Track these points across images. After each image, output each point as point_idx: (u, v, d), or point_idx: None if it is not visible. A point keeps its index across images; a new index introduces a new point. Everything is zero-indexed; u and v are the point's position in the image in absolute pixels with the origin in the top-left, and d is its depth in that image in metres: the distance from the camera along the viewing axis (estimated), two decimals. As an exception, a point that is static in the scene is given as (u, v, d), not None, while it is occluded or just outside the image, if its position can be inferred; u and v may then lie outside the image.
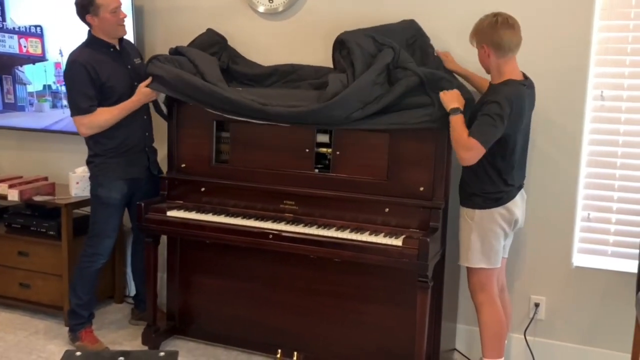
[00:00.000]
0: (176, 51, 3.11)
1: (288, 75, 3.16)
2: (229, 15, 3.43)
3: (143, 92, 3.01)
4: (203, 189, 3.07)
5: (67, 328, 3.24)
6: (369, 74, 2.68)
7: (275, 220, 2.86)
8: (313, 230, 2.75)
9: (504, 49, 2.53)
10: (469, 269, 2.74)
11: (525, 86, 2.57)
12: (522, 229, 2.82)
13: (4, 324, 3.44)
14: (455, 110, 2.57)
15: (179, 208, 3.02)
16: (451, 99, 2.61)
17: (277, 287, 3.06)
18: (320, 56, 3.15)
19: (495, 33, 2.53)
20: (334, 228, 2.76)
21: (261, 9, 3.36)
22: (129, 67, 3.10)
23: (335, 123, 2.74)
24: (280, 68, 3.18)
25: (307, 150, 2.90)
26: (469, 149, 2.50)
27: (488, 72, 2.64)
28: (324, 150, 2.90)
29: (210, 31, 3.31)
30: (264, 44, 3.35)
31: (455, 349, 3.16)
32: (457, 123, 2.55)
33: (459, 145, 2.54)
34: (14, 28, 3.76)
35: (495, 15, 2.55)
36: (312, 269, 2.97)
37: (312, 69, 3.14)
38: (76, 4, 2.99)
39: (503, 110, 2.47)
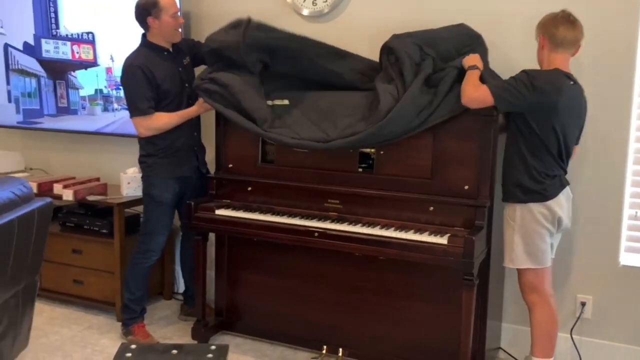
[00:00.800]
0: (214, 81, 3.04)
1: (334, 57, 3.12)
2: (273, 19, 3.47)
3: (204, 106, 3.12)
4: (250, 188, 3.15)
5: (119, 323, 3.36)
6: (416, 83, 2.72)
7: (320, 218, 2.91)
8: (358, 229, 2.80)
9: (557, 41, 2.57)
10: (518, 270, 2.74)
11: (571, 81, 2.58)
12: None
13: (60, 318, 3.58)
14: (472, 67, 2.66)
15: (226, 207, 3.10)
16: (472, 59, 2.71)
17: (321, 284, 3.11)
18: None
19: (553, 24, 2.58)
20: (379, 226, 2.79)
21: (305, 12, 3.42)
22: (180, 69, 3.21)
23: (394, 138, 2.78)
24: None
25: (351, 150, 2.94)
26: (476, 90, 2.59)
27: (541, 66, 2.66)
28: (367, 150, 2.94)
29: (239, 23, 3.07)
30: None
31: (500, 348, 3.16)
32: (472, 74, 2.65)
33: (468, 85, 2.62)
34: (67, 35, 3.91)
35: (562, 10, 2.61)
36: (356, 267, 3.01)
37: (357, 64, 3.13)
38: (138, 5, 3.09)
39: (530, 80, 2.51)
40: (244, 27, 2.96)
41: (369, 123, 2.79)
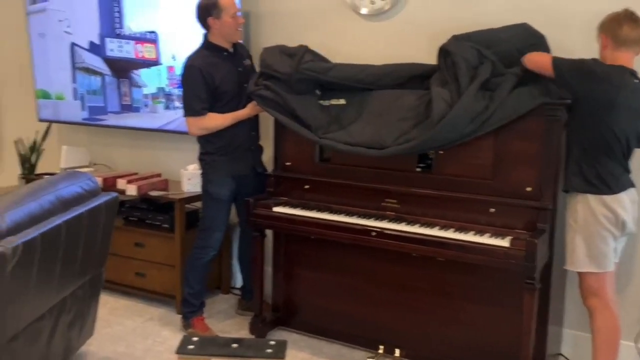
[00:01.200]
0: (269, 88, 3.11)
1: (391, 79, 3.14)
2: (331, 18, 3.52)
3: (256, 109, 3.19)
4: (307, 186, 3.17)
5: (179, 315, 3.45)
6: (471, 90, 2.69)
7: (378, 218, 2.91)
8: (416, 229, 2.78)
9: (620, 39, 2.52)
10: (579, 274, 2.68)
11: (635, 79, 2.52)
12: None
13: (123, 309, 3.70)
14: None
15: (284, 204, 3.14)
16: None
17: (378, 283, 3.11)
18: (424, 57, 3.15)
19: (615, 23, 2.53)
20: (437, 227, 2.77)
21: (364, 10, 3.42)
22: (240, 69, 3.26)
23: (448, 144, 2.77)
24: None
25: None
26: (540, 55, 2.68)
27: None
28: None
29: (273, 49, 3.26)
30: (367, 45, 3.41)
31: (560, 354, 3.09)
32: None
33: (533, 52, 2.69)
34: (130, 35, 4.03)
35: (624, 9, 2.56)
36: (413, 266, 3.00)
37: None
38: (199, 6, 3.15)
39: (592, 65, 2.51)
40: (298, 60, 3.05)
41: (422, 130, 2.78)
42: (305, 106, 3.06)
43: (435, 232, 2.74)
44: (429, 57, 3.03)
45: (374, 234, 2.84)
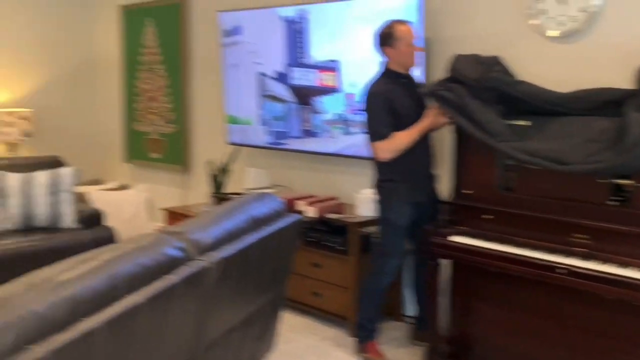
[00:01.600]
0: (451, 89, 3.11)
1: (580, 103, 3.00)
2: (515, 41, 3.41)
3: (436, 118, 3.18)
4: (486, 216, 3.07)
5: (352, 338, 3.50)
6: None
7: (565, 253, 2.73)
8: (609, 268, 2.57)
9: None
10: None
11: None
12: None
13: (299, 327, 3.84)
14: None
15: (462, 234, 3.07)
16: None
17: (564, 325, 2.90)
18: (618, 81, 2.93)
19: None
20: (634, 267, 2.54)
21: (551, 33, 3.27)
22: (417, 94, 3.30)
23: None
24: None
25: (602, 180, 2.73)
26: None
27: None
28: (621, 181, 2.69)
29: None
30: (554, 69, 3.25)
31: None
32: None
33: None
34: (314, 63, 4.24)
35: None
36: (606, 310, 2.76)
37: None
38: (377, 34, 3.26)
39: None
40: (488, 69, 3.01)
41: (613, 153, 2.58)
42: (486, 112, 2.99)
43: (631, 273, 2.51)
44: (625, 82, 2.81)
45: (560, 271, 2.67)
